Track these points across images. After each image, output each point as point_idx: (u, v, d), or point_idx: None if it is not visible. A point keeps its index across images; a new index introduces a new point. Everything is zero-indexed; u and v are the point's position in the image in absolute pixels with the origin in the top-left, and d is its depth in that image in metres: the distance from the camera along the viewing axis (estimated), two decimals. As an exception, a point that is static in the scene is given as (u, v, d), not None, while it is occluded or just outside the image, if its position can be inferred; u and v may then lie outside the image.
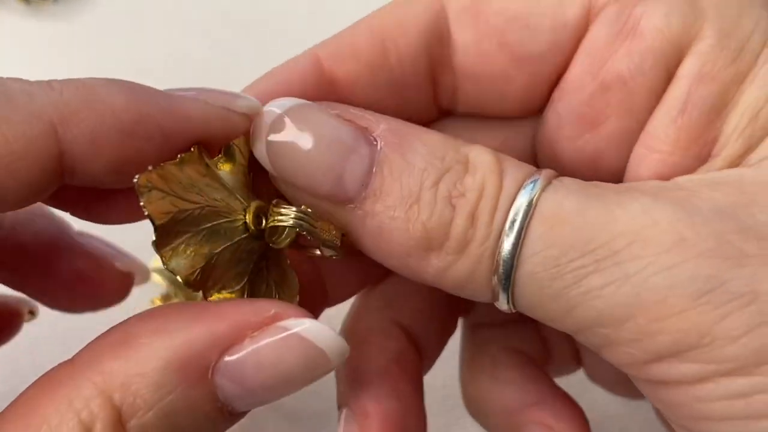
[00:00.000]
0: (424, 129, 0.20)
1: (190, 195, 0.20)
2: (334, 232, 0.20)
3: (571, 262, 0.18)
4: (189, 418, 0.18)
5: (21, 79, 0.19)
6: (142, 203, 0.19)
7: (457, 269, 0.19)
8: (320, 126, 0.19)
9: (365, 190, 0.19)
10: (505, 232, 0.18)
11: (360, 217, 0.19)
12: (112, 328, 0.19)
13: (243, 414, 0.20)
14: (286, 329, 0.19)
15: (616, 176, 0.21)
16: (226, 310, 0.19)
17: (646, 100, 0.20)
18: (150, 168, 0.19)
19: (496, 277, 0.18)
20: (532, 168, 0.19)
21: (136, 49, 0.38)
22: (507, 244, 0.18)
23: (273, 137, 0.20)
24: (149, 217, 0.19)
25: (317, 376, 0.20)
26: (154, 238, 0.19)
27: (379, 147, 0.19)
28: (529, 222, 0.18)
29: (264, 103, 0.20)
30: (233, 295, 0.21)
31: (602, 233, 0.17)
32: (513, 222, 0.18)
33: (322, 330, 0.19)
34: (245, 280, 0.21)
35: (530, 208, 0.18)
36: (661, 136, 0.20)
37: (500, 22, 0.21)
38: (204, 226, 0.20)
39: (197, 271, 0.20)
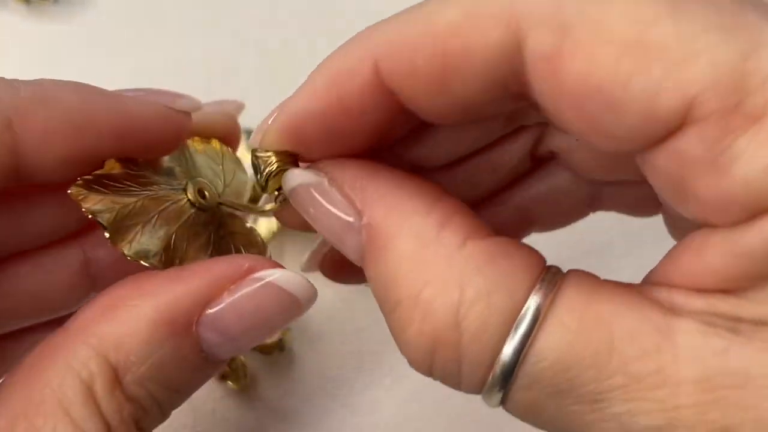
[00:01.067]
0: (399, 230, 0.19)
1: (127, 191, 0.22)
2: None
3: (559, 401, 0.17)
4: (177, 369, 0.20)
5: None
6: (83, 209, 0.21)
7: (449, 376, 0.18)
8: (319, 211, 0.20)
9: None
10: (493, 376, 0.17)
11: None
12: (98, 295, 0.21)
13: (225, 361, 0.22)
14: (260, 279, 0.21)
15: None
16: (204, 269, 0.21)
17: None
18: (78, 180, 0.21)
19: (490, 383, 0.18)
20: (523, 285, 0.17)
21: (136, 50, 0.38)
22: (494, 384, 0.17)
23: (291, 200, 0.21)
24: (94, 218, 0.21)
25: (290, 320, 0.22)
26: (107, 236, 0.21)
27: (363, 238, 0.19)
28: (520, 364, 0.17)
29: (320, 102, 0.20)
30: None
31: (592, 374, 0.16)
32: (498, 374, 0.17)
33: (293, 277, 0.21)
34: (209, 250, 0.23)
35: (521, 350, 0.17)
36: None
37: (580, 89, 0.16)
38: (152, 214, 0.22)
39: (159, 254, 0.22)
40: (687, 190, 0.16)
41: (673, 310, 0.16)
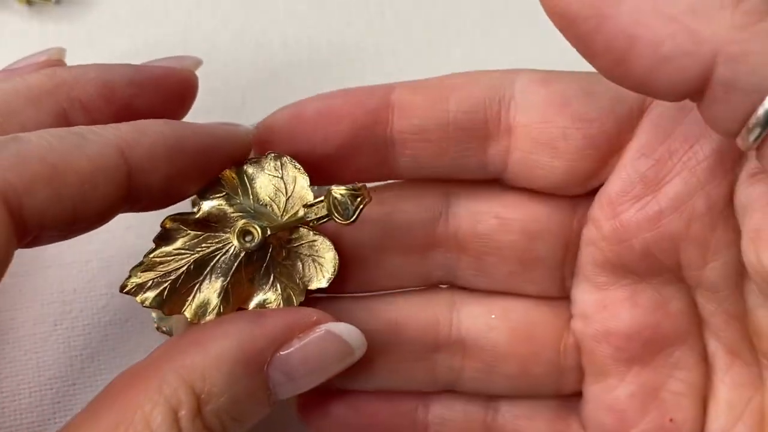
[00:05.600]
0: None
1: (176, 261, 0.25)
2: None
3: None
4: (247, 404, 0.23)
5: (85, 126, 0.23)
6: (139, 302, 0.25)
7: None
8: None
9: None
10: None
11: None
12: (184, 332, 0.24)
13: (281, 401, 0.25)
14: (323, 330, 0.24)
15: (675, 237, 0.24)
16: (280, 316, 0.24)
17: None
18: (126, 283, 0.25)
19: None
20: None
21: (138, 50, 0.38)
22: None
23: None
24: (146, 306, 0.25)
25: (344, 366, 0.25)
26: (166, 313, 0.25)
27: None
28: None
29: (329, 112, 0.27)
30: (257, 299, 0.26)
31: None
32: None
33: (350, 328, 0.25)
34: (269, 279, 0.26)
35: None
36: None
37: (566, 89, 0.25)
38: (205, 272, 0.25)
39: (217, 306, 0.25)
40: None
41: None
